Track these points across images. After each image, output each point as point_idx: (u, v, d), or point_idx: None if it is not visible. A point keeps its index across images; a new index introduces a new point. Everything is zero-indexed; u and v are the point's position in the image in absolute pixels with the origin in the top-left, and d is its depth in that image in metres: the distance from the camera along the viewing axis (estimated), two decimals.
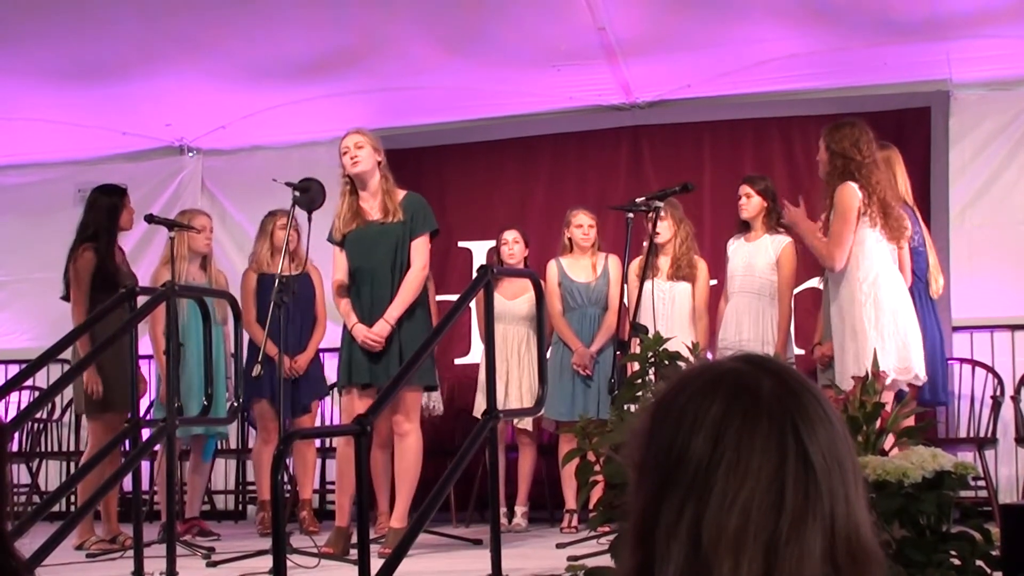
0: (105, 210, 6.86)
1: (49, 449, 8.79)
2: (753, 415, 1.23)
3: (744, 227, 6.94)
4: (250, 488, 8.83)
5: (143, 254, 8.61)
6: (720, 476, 1.21)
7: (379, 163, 6.07)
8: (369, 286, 5.98)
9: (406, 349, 5.85)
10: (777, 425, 1.23)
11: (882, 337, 5.44)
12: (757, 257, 6.79)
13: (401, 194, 6.10)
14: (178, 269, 6.87)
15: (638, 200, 6.45)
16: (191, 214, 7.39)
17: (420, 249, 6.03)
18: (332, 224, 6.17)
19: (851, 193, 5.54)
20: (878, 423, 3.56)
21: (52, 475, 8.78)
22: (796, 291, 7.17)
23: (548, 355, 7.07)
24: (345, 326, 6.08)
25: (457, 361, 8.49)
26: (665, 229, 6.90)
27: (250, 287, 7.37)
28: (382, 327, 5.87)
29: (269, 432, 7.20)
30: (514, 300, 7.35)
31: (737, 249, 6.92)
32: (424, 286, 6.11)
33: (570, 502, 7.11)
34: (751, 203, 6.86)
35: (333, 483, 6.98)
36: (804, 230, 5.79)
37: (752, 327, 6.75)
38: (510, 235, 7.45)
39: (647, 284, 6.50)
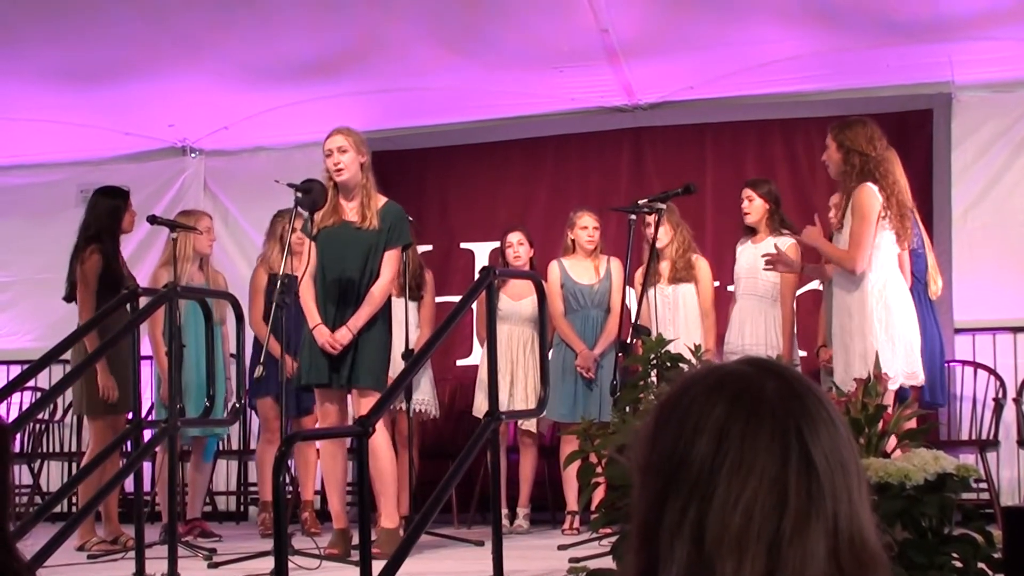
0: (107, 212, 6.85)
1: (51, 450, 8.80)
2: (756, 416, 1.23)
3: (750, 230, 6.95)
4: (251, 489, 8.83)
5: (145, 255, 8.62)
6: (723, 477, 1.21)
7: (362, 164, 6.05)
8: (336, 288, 5.97)
9: (361, 357, 5.89)
10: (780, 426, 1.23)
11: (892, 341, 5.43)
12: (760, 260, 6.78)
13: (381, 201, 6.05)
14: (180, 270, 6.88)
15: (640, 202, 6.45)
16: (196, 216, 7.37)
17: (391, 261, 6.00)
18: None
19: (871, 195, 5.51)
20: (880, 425, 3.56)
21: (54, 476, 8.78)
22: (798, 293, 7.17)
23: (550, 356, 7.07)
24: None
25: (459, 362, 8.49)
26: (663, 234, 6.91)
27: (259, 285, 7.37)
28: (344, 334, 5.87)
29: (272, 432, 7.21)
30: (519, 301, 7.35)
31: (744, 251, 6.94)
32: (387, 299, 6.08)
33: (572, 504, 7.11)
34: (754, 206, 6.87)
35: None
36: (822, 248, 5.81)
37: (756, 330, 6.75)
38: (515, 237, 7.44)
39: (650, 290, 6.50)
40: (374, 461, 5.97)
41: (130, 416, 6.22)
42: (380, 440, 5.93)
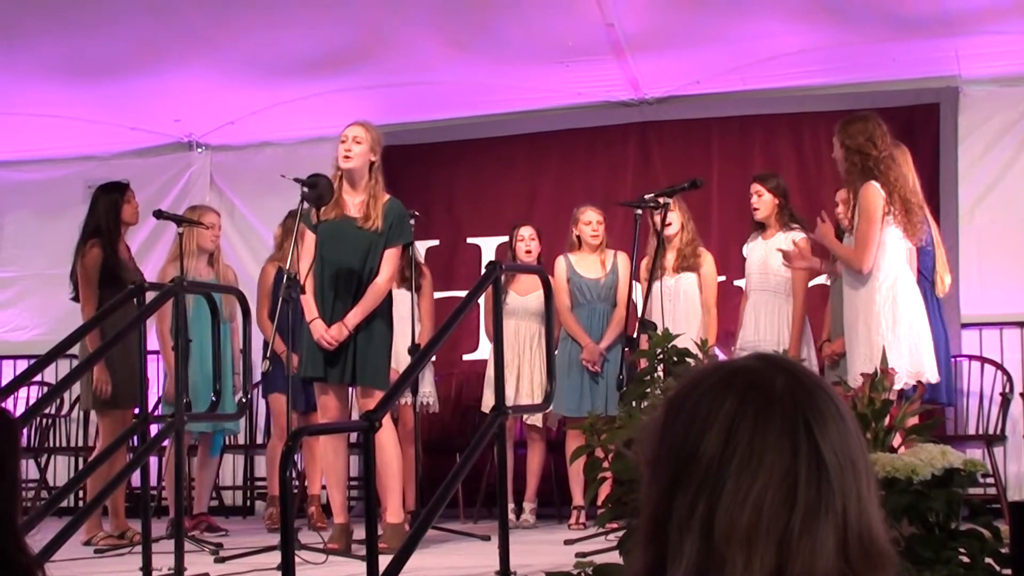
0: (106, 207, 6.84)
1: (57, 444, 8.81)
2: (766, 411, 1.23)
3: (759, 227, 6.93)
4: (258, 484, 8.84)
5: (152, 249, 8.64)
6: (733, 471, 1.21)
7: (372, 163, 6.02)
8: (334, 283, 5.94)
9: (360, 354, 5.87)
10: (790, 422, 1.23)
11: (898, 340, 5.43)
12: (772, 255, 6.76)
13: (384, 199, 6.02)
14: (186, 265, 6.87)
15: (647, 196, 6.45)
16: (201, 210, 7.38)
17: (390, 260, 5.97)
18: None
19: (875, 193, 5.52)
20: (887, 420, 3.56)
21: (60, 470, 8.79)
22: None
23: (557, 351, 7.06)
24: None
25: (465, 357, 8.49)
26: (676, 220, 6.92)
27: (268, 282, 7.38)
28: (340, 331, 5.84)
29: (283, 428, 7.23)
30: (526, 296, 7.35)
31: (754, 248, 6.91)
32: (387, 297, 6.04)
33: (578, 498, 7.11)
34: (763, 201, 6.85)
35: None
36: (831, 247, 5.86)
37: (769, 325, 6.74)
38: (526, 231, 7.44)
39: (656, 283, 6.50)
40: (379, 455, 5.96)
41: (136, 411, 6.23)
42: (386, 435, 5.92)
